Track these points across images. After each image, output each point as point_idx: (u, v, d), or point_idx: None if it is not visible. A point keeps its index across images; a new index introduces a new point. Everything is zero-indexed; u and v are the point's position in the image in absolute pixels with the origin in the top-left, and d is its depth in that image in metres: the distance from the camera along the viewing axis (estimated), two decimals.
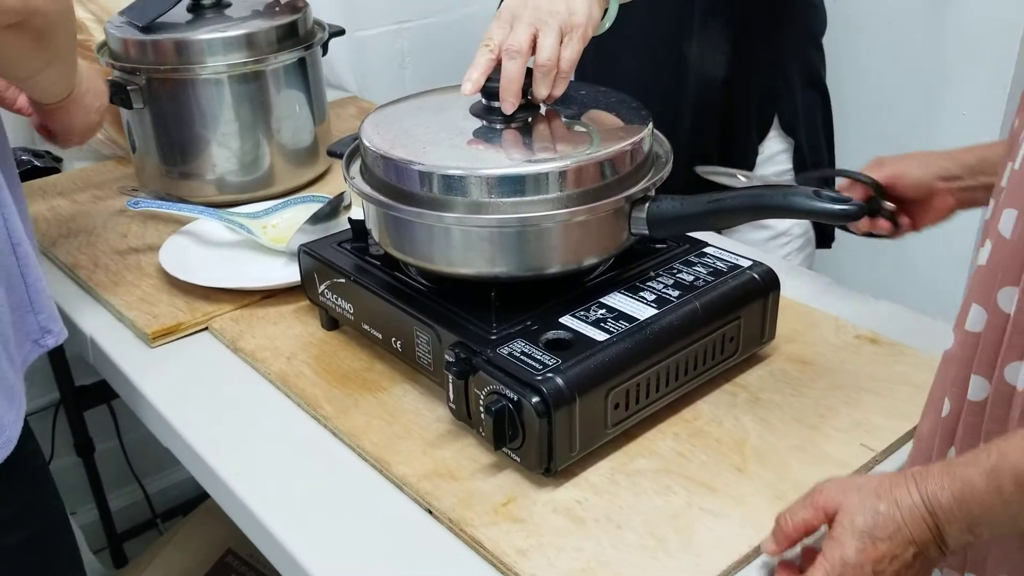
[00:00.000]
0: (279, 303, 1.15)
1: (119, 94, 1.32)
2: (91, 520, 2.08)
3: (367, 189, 0.92)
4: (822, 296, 1.13)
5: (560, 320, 0.90)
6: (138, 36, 1.33)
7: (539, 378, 0.81)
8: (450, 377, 0.86)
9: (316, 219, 1.19)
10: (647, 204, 0.90)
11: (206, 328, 1.13)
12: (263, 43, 1.37)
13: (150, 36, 1.33)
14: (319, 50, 1.47)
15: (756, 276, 0.97)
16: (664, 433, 0.91)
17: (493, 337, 0.88)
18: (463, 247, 0.89)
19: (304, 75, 1.43)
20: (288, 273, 1.15)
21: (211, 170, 1.39)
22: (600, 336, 0.87)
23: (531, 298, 0.92)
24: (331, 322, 1.09)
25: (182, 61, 1.33)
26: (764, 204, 0.83)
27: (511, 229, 0.88)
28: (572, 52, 0.94)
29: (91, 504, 2.07)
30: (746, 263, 0.98)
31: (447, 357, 0.88)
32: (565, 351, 0.85)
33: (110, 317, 1.16)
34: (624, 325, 0.88)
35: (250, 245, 1.26)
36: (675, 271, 0.97)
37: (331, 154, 1.08)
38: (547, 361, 0.83)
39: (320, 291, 1.07)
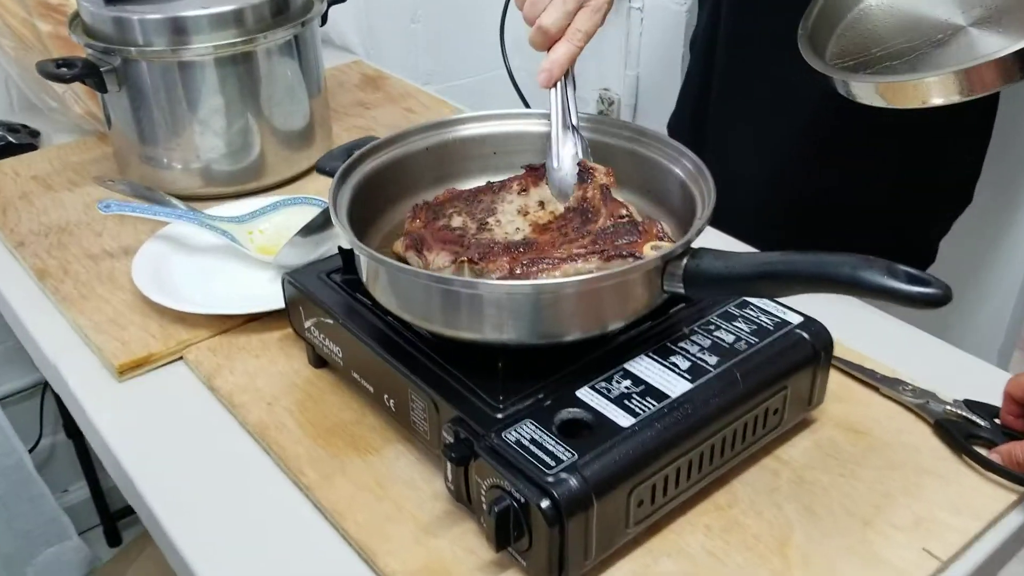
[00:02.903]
0: (264, 328, 1.03)
1: (91, 76, 1.18)
2: (83, 498, 2.00)
3: (356, 242, 0.79)
4: (873, 336, 1.00)
5: (577, 394, 0.77)
6: (112, 11, 1.18)
7: (551, 479, 0.69)
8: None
9: (308, 230, 1.06)
10: (684, 260, 0.76)
11: (181, 358, 1.01)
12: (253, 20, 1.22)
13: (125, 12, 1.18)
14: (317, 22, 1.32)
15: (807, 336, 0.84)
16: (694, 525, 0.79)
17: (499, 415, 0.75)
18: (467, 310, 0.76)
19: (299, 53, 1.28)
20: (275, 291, 1.02)
21: (195, 159, 1.26)
22: (624, 420, 0.74)
23: (544, 363, 0.79)
24: (319, 359, 0.96)
25: (162, 41, 1.18)
26: (827, 274, 0.69)
27: (524, 293, 0.74)
28: (591, 22, 0.91)
29: (82, 482, 1.98)
30: (795, 319, 0.85)
31: (445, 435, 0.76)
32: (582, 440, 0.72)
33: (77, 339, 1.04)
34: (652, 405, 0.75)
35: (235, 251, 1.13)
36: (712, 328, 0.84)
37: (321, 171, 0.94)
38: (561, 454, 0.71)
39: (306, 326, 0.94)
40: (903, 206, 1.26)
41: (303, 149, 1.34)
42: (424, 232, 0.86)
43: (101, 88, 1.19)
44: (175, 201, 1.20)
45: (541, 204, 0.90)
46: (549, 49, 0.94)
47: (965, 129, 1.25)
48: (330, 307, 0.89)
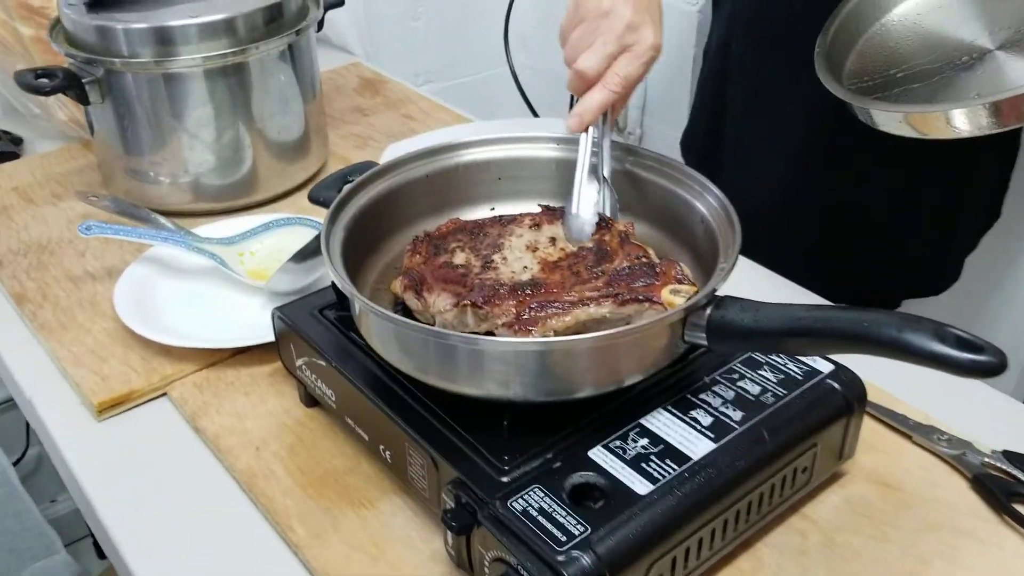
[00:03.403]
0: (254, 361, 0.97)
1: (72, 88, 1.12)
2: (71, 509, 1.94)
3: (351, 289, 0.72)
4: (902, 376, 0.93)
5: (589, 454, 0.71)
6: (95, 20, 1.12)
7: (561, 557, 0.63)
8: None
9: (303, 256, 1.00)
10: (708, 310, 0.70)
11: (165, 394, 0.94)
12: (245, 29, 1.15)
13: (109, 20, 1.11)
14: (312, 29, 1.25)
15: (838, 387, 0.77)
16: None
17: (504, 479, 0.69)
18: (468, 366, 0.70)
19: (294, 62, 1.22)
20: (266, 320, 0.95)
21: (184, 173, 1.19)
22: (641, 486, 0.68)
23: (553, 419, 0.73)
24: (311, 398, 0.90)
25: (148, 51, 1.12)
26: (867, 335, 0.63)
27: (531, 351, 0.68)
28: (631, 69, 0.86)
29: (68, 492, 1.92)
30: (825, 367, 0.79)
31: (445, 499, 0.70)
32: (595, 510, 0.66)
33: (54, 371, 0.98)
34: (672, 468, 0.69)
35: (225, 275, 1.06)
36: (735, 377, 0.78)
37: (314, 201, 0.88)
38: (572, 527, 0.64)
39: (297, 364, 0.88)
40: (928, 223, 1.19)
41: (298, 161, 1.27)
42: (424, 270, 0.80)
43: (83, 100, 1.13)
44: (162, 219, 1.13)
45: (552, 240, 0.83)
46: (584, 94, 0.88)
47: (993, 142, 1.19)
48: (322, 347, 0.83)
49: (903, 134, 0.95)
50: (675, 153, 1.84)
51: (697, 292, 0.73)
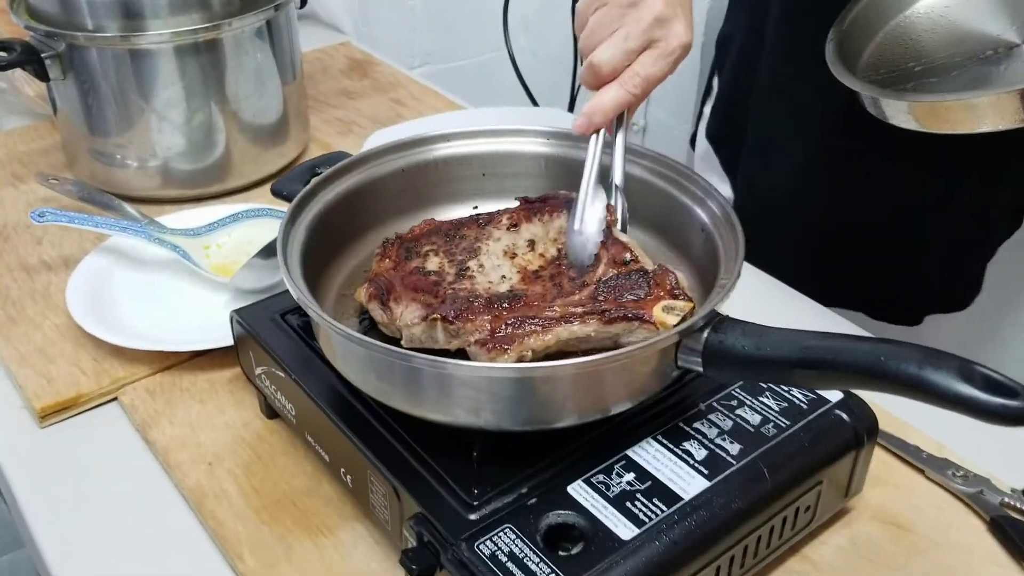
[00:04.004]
0: (212, 365, 0.89)
1: (31, 63, 1.04)
2: None
3: (307, 300, 0.65)
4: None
5: (569, 490, 0.63)
6: None
7: None
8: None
9: (269, 251, 0.92)
10: (705, 333, 0.62)
11: (115, 398, 0.87)
12: (219, 3, 1.08)
13: None
14: (293, 5, 1.17)
15: (847, 418, 0.70)
16: None
17: (472, 516, 0.62)
18: (436, 391, 0.62)
19: (272, 40, 1.14)
20: (228, 320, 0.88)
21: (152, 157, 1.12)
22: (626, 530, 0.60)
23: (529, 448, 0.66)
24: (272, 410, 0.83)
25: (114, 25, 1.04)
26: (885, 371, 0.55)
27: (506, 376, 0.61)
28: (655, 69, 0.76)
29: None
30: (834, 396, 0.71)
31: (406, 535, 0.62)
32: (573, 556, 0.59)
33: None
34: (661, 509, 0.62)
35: (188, 269, 0.99)
36: (734, 404, 0.70)
37: (277, 195, 0.80)
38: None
39: (256, 373, 0.80)
40: (956, 230, 1.12)
41: (275, 146, 1.20)
42: (393, 277, 0.72)
43: (42, 76, 1.05)
44: (126, 207, 1.06)
45: (531, 245, 0.75)
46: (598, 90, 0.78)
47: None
48: (281, 357, 0.75)
49: (910, 127, 0.88)
50: (681, 145, 1.76)
51: (694, 310, 0.65)
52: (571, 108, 1.65)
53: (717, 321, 0.63)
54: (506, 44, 1.74)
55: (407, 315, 0.68)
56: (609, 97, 0.77)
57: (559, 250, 0.75)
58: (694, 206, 0.75)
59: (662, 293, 0.68)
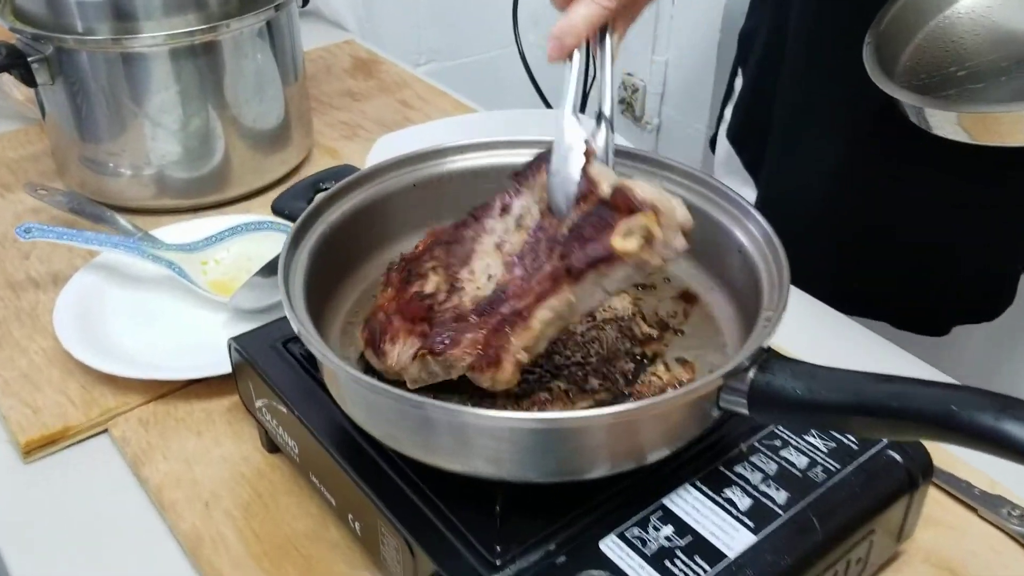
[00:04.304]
0: (210, 393, 0.83)
1: (16, 67, 0.98)
2: None
3: (308, 335, 0.59)
4: None
5: (601, 546, 0.57)
6: None
7: None
8: None
9: (271, 269, 0.86)
10: (750, 372, 0.56)
11: (105, 430, 0.81)
12: (216, 3, 1.02)
13: None
14: (295, 5, 1.11)
15: (900, 459, 0.64)
16: None
17: None
18: (452, 440, 0.56)
19: (273, 41, 1.08)
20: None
21: (146, 165, 1.06)
22: None
23: (557, 499, 0.60)
24: (273, 443, 0.77)
25: (105, 27, 0.98)
26: (956, 421, 0.49)
27: (528, 427, 0.55)
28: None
29: None
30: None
31: None
32: None
33: None
34: (703, 568, 0.56)
35: (184, 287, 0.93)
36: (777, 445, 0.65)
37: (278, 213, 0.74)
38: None
39: (257, 406, 0.74)
40: (989, 238, 1.05)
41: (276, 152, 1.14)
42: (391, 309, 0.65)
43: (29, 81, 0.99)
44: (119, 219, 1.00)
45: (519, 223, 0.66)
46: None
47: None
48: (283, 390, 0.70)
49: (958, 139, 0.82)
50: (696, 145, 1.69)
51: (659, 219, 0.58)
52: (583, 108, 1.59)
53: (763, 359, 0.57)
54: (516, 40, 1.68)
55: (401, 357, 0.62)
56: (580, 15, 0.67)
57: (542, 211, 0.65)
58: (731, 226, 0.69)
59: (623, 214, 0.58)
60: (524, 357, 0.58)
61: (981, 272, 1.08)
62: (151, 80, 1.01)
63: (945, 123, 0.83)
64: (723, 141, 1.28)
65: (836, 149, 1.06)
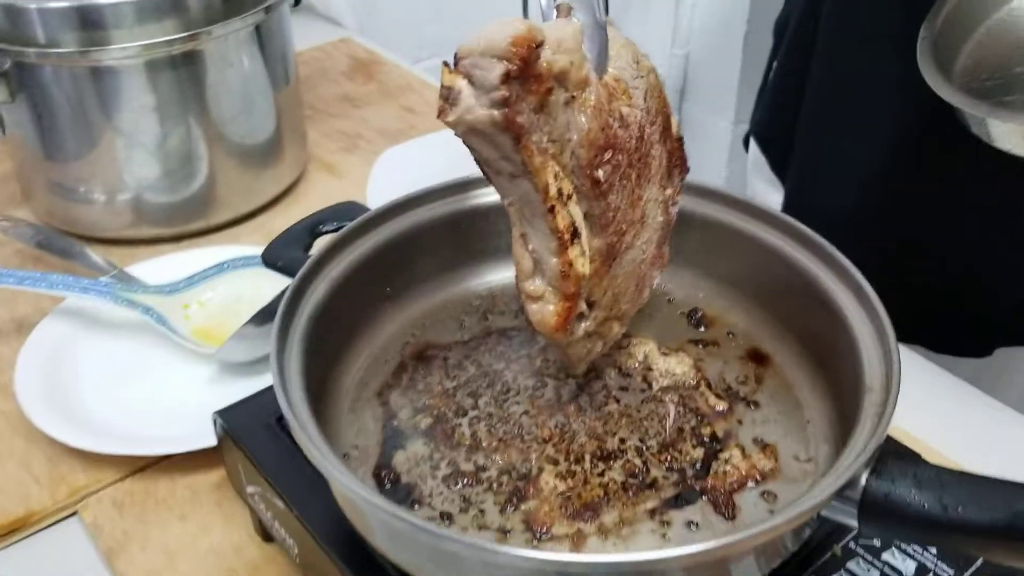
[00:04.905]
0: (195, 467, 0.72)
1: None
2: None
3: (330, 462, 0.47)
4: None
5: None
6: None
7: None
8: None
9: (265, 317, 0.75)
10: (863, 478, 0.45)
11: (75, 513, 0.70)
12: (198, 8, 0.90)
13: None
14: (287, 6, 0.99)
15: None
16: None
17: None
18: None
19: (262, 47, 0.96)
20: (215, 403, 0.70)
21: (121, 189, 0.94)
22: None
23: None
24: (267, 531, 0.65)
25: (72, 39, 0.86)
26: None
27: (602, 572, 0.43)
28: None
29: None
30: None
31: None
32: None
33: None
34: None
35: (164, 336, 0.81)
36: (878, 547, 0.53)
37: (270, 265, 0.63)
38: None
39: (248, 491, 0.63)
40: None
41: (268, 169, 1.02)
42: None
43: None
44: (90, 253, 0.89)
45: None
46: None
47: None
48: (279, 481, 0.58)
49: (1021, 153, 0.71)
50: (722, 144, 1.58)
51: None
52: None
53: (879, 460, 0.45)
54: None
55: None
56: None
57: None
58: (813, 271, 0.58)
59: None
60: None
61: (1016, 300, 0.97)
62: (124, 96, 0.89)
63: (1009, 135, 0.72)
64: (753, 140, 1.17)
65: (873, 157, 0.94)
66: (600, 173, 0.50)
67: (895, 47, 0.79)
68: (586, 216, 0.51)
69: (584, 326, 0.55)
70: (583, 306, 0.54)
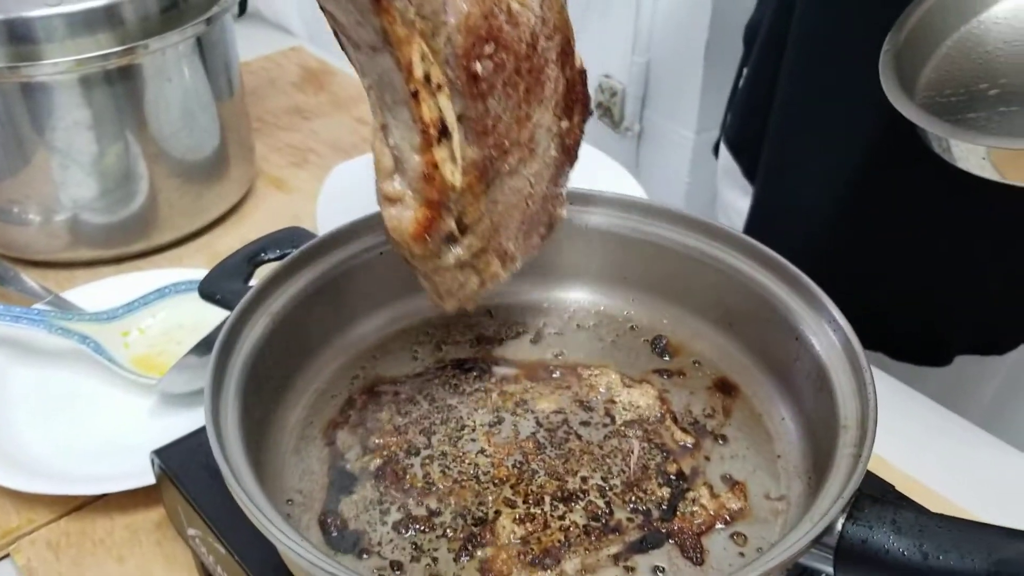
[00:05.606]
0: (134, 505, 0.69)
1: None
2: None
3: (268, 517, 0.44)
4: None
5: None
6: None
7: None
8: None
9: (208, 345, 0.70)
10: (838, 523, 0.42)
11: (7, 555, 0.66)
12: (134, 19, 0.86)
13: None
14: (230, 15, 0.95)
15: None
16: None
17: None
18: None
19: (204, 60, 0.92)
20: (155, 441, 0.66)
21: (56, 209, 0.90)
22: None
23: None
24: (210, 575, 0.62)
25: (1, 54, 0.82)
26: None
27: None
28: None
29: None
30: None
31: None
32: None
33: None
34: None
35: (101, 366, 0.77)
36: None
37: (207, 298, 0.59)
38: None
39: (189, 534, 0.59)
40: (1013, 266, 0.93)
41: (212, 187, 0.98)
42: None
43: None
44: (24, 278, 0.86)
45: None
46: None
47: None
48: (218, 526, 0.55)
49: (983, 175, 0.69)
50: (683, 155, 1.55)
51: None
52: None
53: (855, 505, 0.43)
54: None
55: None
56: None
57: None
58: (786, 304, 0.55)
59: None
60: None
61: (1003, 299, 0.95)
62: (58, 112, 0.85)
63: (971, 156, 0.70)
64: (725, 148, 1.15)
65: (837, 164, 0.93)
66: (478, 67, 0.45)
67: (864, 56, 0.77)
68: (461, 119, 0.46)
69: (455, 252, 0.50)
70: (452, 226, 0.49)
